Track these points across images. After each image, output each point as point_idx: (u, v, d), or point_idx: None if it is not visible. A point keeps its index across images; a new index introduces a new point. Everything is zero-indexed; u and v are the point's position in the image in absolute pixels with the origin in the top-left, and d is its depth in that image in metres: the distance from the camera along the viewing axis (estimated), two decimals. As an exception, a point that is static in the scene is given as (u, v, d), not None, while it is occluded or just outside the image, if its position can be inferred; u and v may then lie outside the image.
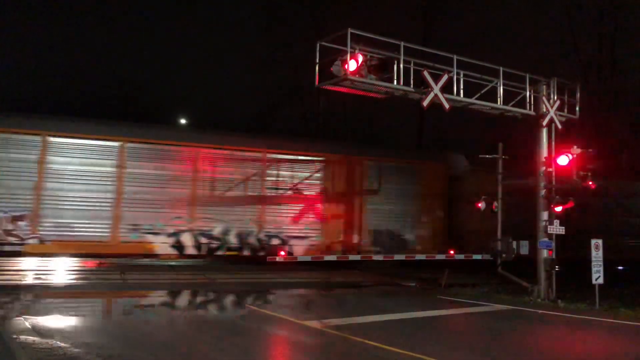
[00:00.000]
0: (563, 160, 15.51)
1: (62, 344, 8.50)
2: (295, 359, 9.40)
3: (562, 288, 15.73)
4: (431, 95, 13.63)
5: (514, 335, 11.31)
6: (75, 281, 16.30)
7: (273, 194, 20.54)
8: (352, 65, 12.86)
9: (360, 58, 12.92)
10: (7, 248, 17.06)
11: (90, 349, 8.30)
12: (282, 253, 18.99)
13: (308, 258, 19.55)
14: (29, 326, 9.74)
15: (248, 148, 20.49)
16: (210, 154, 19.84)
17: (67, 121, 18.82)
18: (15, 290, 14.18)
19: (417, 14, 36.75)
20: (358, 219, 21.75)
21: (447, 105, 13.97)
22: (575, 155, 15.40)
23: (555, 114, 15.95)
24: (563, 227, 15.63)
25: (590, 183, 15.35)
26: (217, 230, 19.42)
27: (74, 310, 12.50)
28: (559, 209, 15.61)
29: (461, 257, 20.56)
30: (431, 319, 12.82)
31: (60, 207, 17.71)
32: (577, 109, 16.75)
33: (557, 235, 15.71)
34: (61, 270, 18.09)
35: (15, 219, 17.17)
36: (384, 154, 23.28)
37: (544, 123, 15.89)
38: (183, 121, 36.50)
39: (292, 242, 20.45)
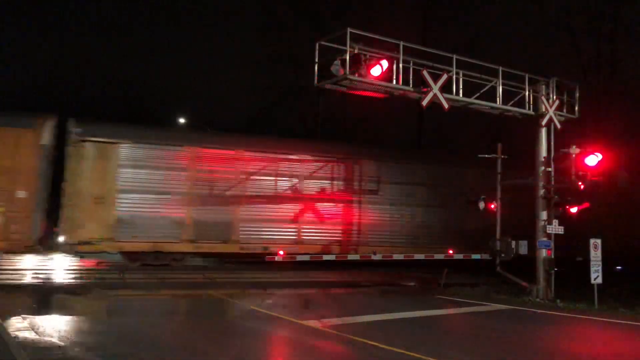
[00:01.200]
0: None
1: (62, 344, 8.49)
2: (295, 359, 9.40)
3: (561, 288, 15.74)
4: (430, 95, 13.63)
5: (512, 335, 11.30)
6: (74, 280, 16.31)
7: None
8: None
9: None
10: None
11: (89, 349, 8.30)
12: (281, 252, 18.88)
13: (307, 257, 19.48)
14: (28, 325, 9.73)
15: None
16: None
17: None
18: (14, 290, 14.18)
19: (417, 14, 36.81)
20: None
21: (446, 105, 13.98)
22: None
23: (555, 114, 15.97)
24: (562, 227, 15.65)
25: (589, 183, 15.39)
26: None
27: (74, 310, 12.49)
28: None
29: (460, 257, 20.55)
30: (430, 318, 12.83)
31: None
32: (577, 108, 16.77)
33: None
34: (60, 269, 18.10)
35: None
36: None
37: (543, 123, 15.91)
38: (182, 121, 36.40)
39: None
